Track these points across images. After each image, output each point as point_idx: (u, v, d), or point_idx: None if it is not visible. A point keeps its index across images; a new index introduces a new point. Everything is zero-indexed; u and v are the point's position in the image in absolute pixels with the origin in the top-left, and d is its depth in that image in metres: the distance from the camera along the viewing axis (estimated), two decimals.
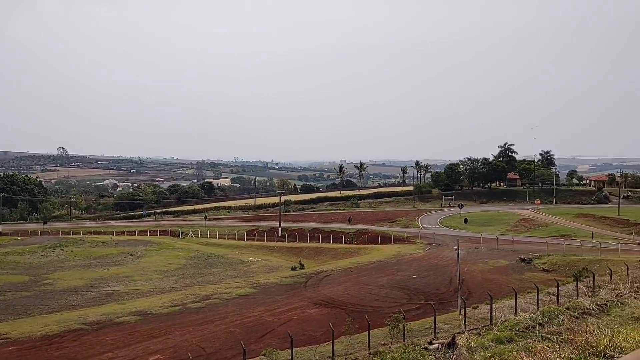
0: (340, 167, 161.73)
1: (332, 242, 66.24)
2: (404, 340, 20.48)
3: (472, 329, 21.75)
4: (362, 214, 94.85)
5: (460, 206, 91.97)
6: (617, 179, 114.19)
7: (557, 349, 12.43)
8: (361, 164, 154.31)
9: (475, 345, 17.79)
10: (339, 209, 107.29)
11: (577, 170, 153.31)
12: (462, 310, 25.00)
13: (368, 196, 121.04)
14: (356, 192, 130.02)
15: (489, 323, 22.69)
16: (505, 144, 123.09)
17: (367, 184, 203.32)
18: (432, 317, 22.07)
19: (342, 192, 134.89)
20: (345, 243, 66.41)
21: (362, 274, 41.37)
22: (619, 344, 8.95)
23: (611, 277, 35.43)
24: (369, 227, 74.94)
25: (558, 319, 22.93)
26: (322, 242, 67.00)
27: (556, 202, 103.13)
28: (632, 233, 62.44)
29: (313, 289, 36.43)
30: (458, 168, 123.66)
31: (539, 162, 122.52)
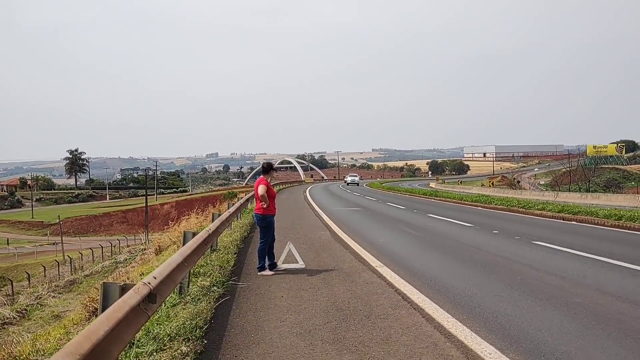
0: None
1: None
2: None
3: None
4: None
5: None
6: (29, 182, 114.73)
7: None
8: None
9: None
10: None
11: None
12: None
13: None
14: None
15: None
16: None
17: None
18: None
19: None
20: None
21: None
22: (41, 346, 9.20)
23: (29, 281, 35.69)
24: None
25: None
26: None
27: None
28: (47, 234, 64.50)
29: None
30: None
31: None
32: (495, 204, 22.47)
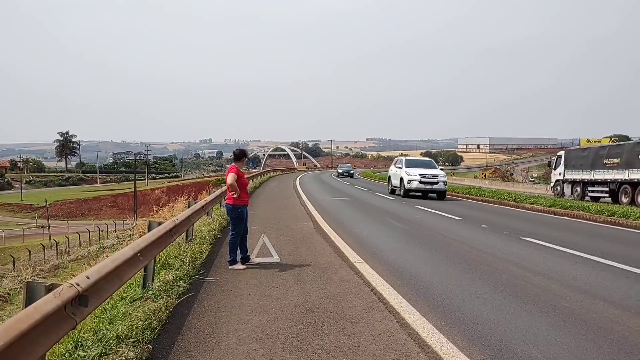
0: None
1: None
2: None
3: None
4: None
5: None
6: (19, 164, 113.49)
7: None
8: None
9: None
10: None
11: None
12: None
13: None
14: None
15: None
16: None
17: None
18: None
19: None
20: None
21: None
22: None
23: (14, 264, 35.13)
24: None
25: None
26: None
27: None
28: (35, 217, 63.73)
29: None
30: None
31: None
32: (487, 197, 22.11)
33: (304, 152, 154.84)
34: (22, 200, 78.21)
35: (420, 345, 4.13)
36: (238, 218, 7.05)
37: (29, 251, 38.65)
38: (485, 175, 59.82)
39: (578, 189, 24.83)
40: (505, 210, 17.37)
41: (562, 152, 27.83)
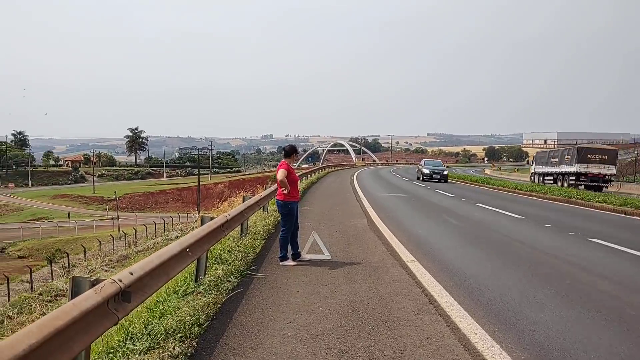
0: None
1: None
2: None
3: None
4: None
5: None
6: (92, 158, 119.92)
7: None
8: None
9: None
10: None
11: (54, 151, 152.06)
12: None
13: None
14: None
15: None
16: None
17: None
18: None
19: None
20: None
21: None
22: None
23: (85, 254, 37.11)
24: None
25: (30, 307, 22.36)
26: None
27: (32, 185, 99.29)
28: (106, 209, 67.15)
29: None
30: None
31: (12, 143, 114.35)
32: (552, 195, 21.07)
33: (362, 148, 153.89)
34: (94, 193, 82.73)
35: (470, 352, 3.92)
36: (288, 214, 7.03)
37: (99, 242, 40.71)
38: None
39: (540, 178, 36.57)
40: (571, 209, 16.48)
41: (534, 153, 39.43)
